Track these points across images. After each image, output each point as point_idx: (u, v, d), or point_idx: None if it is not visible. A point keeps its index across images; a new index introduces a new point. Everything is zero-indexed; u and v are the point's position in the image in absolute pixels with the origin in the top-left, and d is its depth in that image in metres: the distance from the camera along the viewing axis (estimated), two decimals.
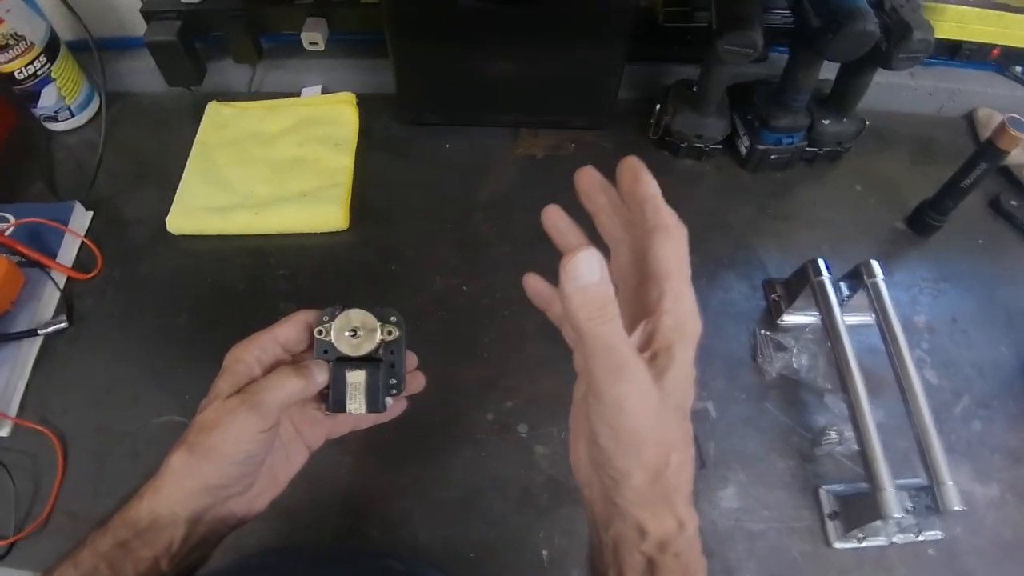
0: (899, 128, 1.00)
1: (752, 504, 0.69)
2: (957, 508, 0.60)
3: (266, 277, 0.84)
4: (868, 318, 0.73)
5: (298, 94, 1.01)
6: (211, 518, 0.46)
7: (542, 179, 0.91)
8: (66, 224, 0.86)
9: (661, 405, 0.36)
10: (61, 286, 0.83)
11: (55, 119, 0.97)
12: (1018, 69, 1.01)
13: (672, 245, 0.38)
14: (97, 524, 0.45)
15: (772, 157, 0.91)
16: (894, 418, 0.71)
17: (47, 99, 0.93)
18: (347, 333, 0.49)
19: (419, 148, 0.97)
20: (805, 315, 0.79)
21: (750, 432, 0.74)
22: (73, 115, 0.97)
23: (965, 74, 1.00)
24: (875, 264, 0.73)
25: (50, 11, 0.91)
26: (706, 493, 0.70)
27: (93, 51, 0.92)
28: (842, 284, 0.75)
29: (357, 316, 0.49)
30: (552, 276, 0.38)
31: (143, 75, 1.00)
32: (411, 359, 0.53)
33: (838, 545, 0.67)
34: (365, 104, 0.99)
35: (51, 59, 0.91)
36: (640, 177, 0.42)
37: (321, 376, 0.48)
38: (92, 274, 0.84)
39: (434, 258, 0.85)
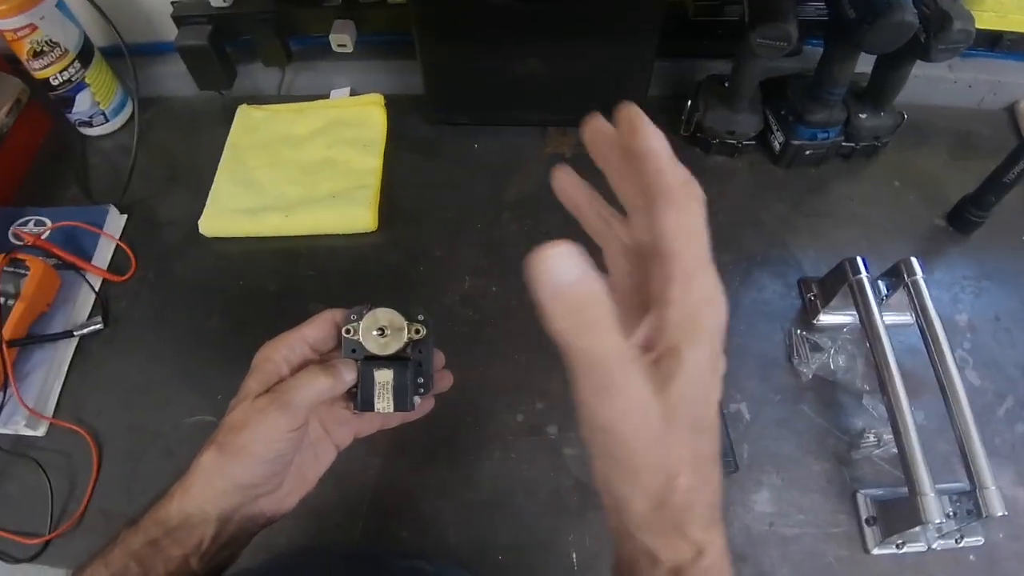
0: (938, 122, 0.97)
1: (787, 508, 0.68)
2: (1000, 513, 0.59)
3: (296, 278, 0.85)
4: (907, 317, 0.72)
5: (327, 96, 1.02)
6: (241, 517, 0.46)
7: None
8: (101, 227, 0.87)
9: (664, 423, 0.31)
10: (96, 288, 0.84)
11: (89, 124, 0.98)
12: None
13: (677, 216, 0.31)
14: (128, 523, 0.45)
15: (807, 153, 0.89)
16: (934, 420, 0.70)
17: (81, 104, 0.95)
18: (375, 332, 0.49)
19: (447, 148, 0.97)
20: (842, 315, 0.77)
21: (785, 434, 0.72)
22: (107, 120, 0.99)
23: (1006, 65, 0.97)
24: (915, 262, 0.71)
25: (83, 17, 0.92)
26: (739, 496, 0.69)
27: (126, 56, 0.93)
28: (880, 283, 0.73)
29: (385, 315, 0.49)
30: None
31: (175, 79, 1.01)
32: (439, 358, 0.53)
33: (876, 551, 0.65)
34: (393, 105, 0.99)
35: (85, 65, 0.92)
36: (638, 129, 0.33)
37: (349, 375, 0.48)
38: (126, 276, 0.86)
39: (462, 258, 0.85)
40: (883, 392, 0.66)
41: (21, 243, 0.84)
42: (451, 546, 0.67)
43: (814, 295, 0.80)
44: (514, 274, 0.83)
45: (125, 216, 0.91)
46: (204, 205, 0.89)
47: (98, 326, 0.81)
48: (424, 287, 0.83)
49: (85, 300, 0.83)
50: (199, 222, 0.87)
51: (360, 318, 0.49)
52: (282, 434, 0.45)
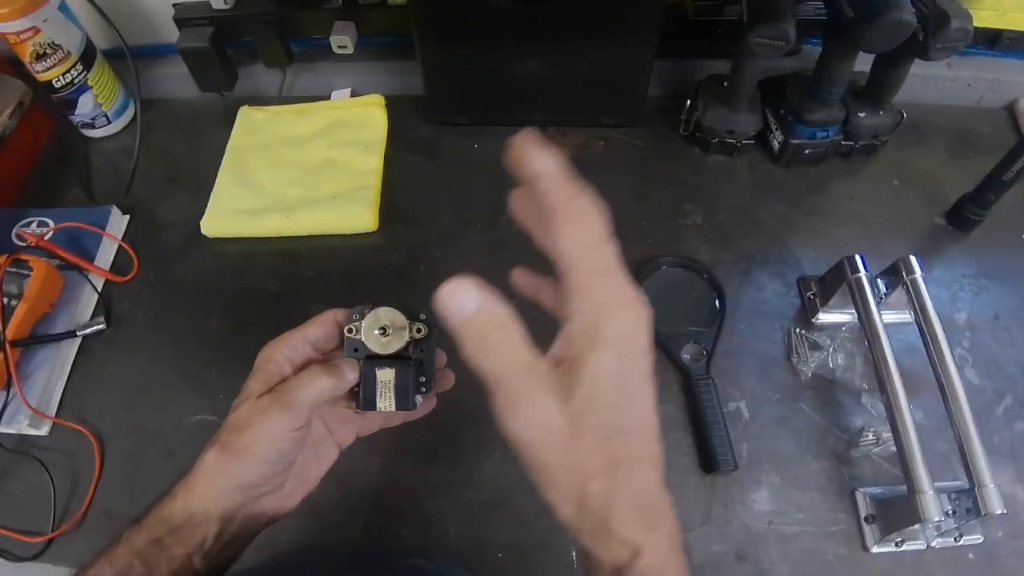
0: (937, 120, 0.97)
1: (786, 506, 0.68)
2: (999, 512, 0.59)
3: (297, 279, 0.85)
4: (906, 316, 0.72)
5: (328, 97, 1.02)
6: (243, 516, 0.46)
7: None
8: (103, 228, 0.88)
9: (570, 430, 0.32)
10: (99, 289, 0.84)
11: (92, 126, 0.99)
12: None
13: (571, 230, 0.33)
14: (132, 522, 0.45)
15: (806, 152, 0.89)
16: (933, 419, 0.70)
17: (84, 106, 0.95)
18: (376, 331, 0.49)
19: (448, 149, 0.97)
20: (841, 313, 0.77)
21: (784, 433, 0.72)
22: (109, 122, 0.99)
23: (1005, 64, 0.97)
24: (914, 260, 0.71)
25: (85, 20, 0.92)
26: (739, 495, 0.69)
27: (128, 58, 0.94)
28: (879, 281, 0.73)
29: (386, 314, 0.49)
30: None
31: (176, 81, 1.01)
32: (441, 357, 0.53)
33: (875, 549, 0.65)
34: (394, 106, 0.99)
35: (87, 67, 0.93)
36: (526, 155, 0.35)
37: (351, 374, 0.48)
38: (128, 277, 0.86)
39: (463, 259, 0.85)
40: (882, 390, 0.66)
41: (24, 244, 0.85)
42: (451, 545, 0.67)
43: (813, 294, 0.80)
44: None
45: (127, 217, 0.91)
46: (205, 206, 0.89)
47: (101, 326, 0.81)
48: (424, 287, 0.83)
49: (88, 300, 0.84)
50: (201, 223, 0.88)
51: (362, 317, 0.49)
52: (285, 434, 0.45)
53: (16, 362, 0.75)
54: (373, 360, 0.49)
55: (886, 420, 0.66)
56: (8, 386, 0.74)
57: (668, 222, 0.87)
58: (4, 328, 0.75)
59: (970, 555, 0.66)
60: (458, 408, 0.71)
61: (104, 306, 0.84)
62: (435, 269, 0.85)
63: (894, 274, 0.72)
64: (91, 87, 0.94)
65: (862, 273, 0.72)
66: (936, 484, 0.60)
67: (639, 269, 0.82)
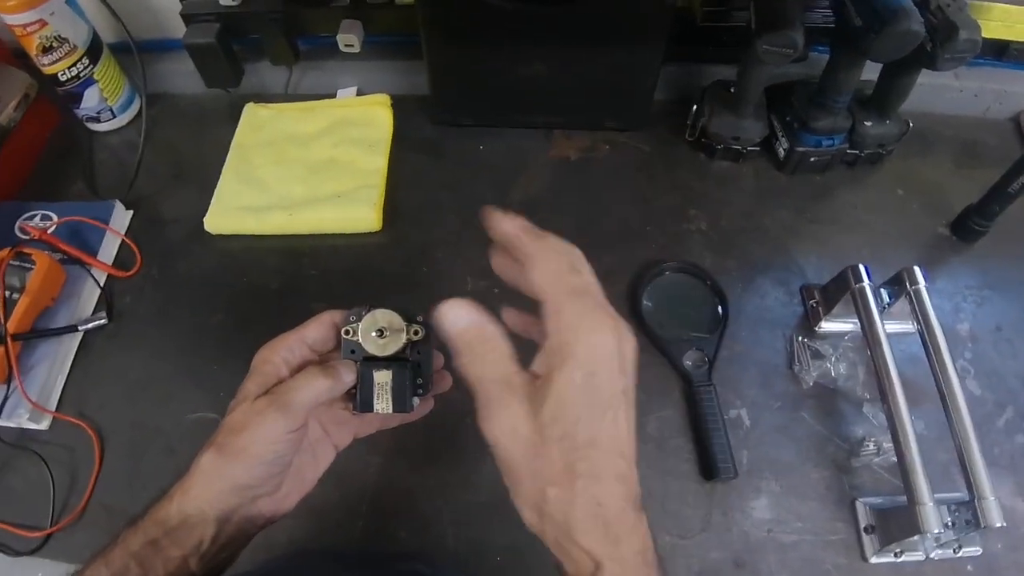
0: (943, 130, 0.97)
1: (785, 515, 0.68)
2: (998, 524, 0.58)
3: (299, 277, 0.85)
4: (909, 326, 0.71)
5: (333, 95, 1.02)
6: (240, 517, 0.46)
7: (575, 181, 0.91)
8: (107, 223, 0.88)
9: (536, 438, 0.35)
10: (101, 283, 0.84)
11: (97, 120, 0.99)
12: None
13: (539, 270, 0.38)
14: (128, 523, 0.45)
15: (811, 160, 0.89)
16: (934, 430, 0.70)
17: (89, 100, 0.96)
18: (374, 333, 0.49)
19: (452, 149, 0.97)
20: (844, 322, 0.77)
21: (784, 441, 0.72)
22: (114, 116, 0.99)
23: (1012, 75, 0.97)
24: (917, 270, 0.71)
25: (92, 14, 0.93)
26: (738, 503, 0.69)
27: (134, 53, 0.94)
28: (883, 291, 0.73)
29: (383, 316, 0.49)
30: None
31: (182, 77, 1.02)
32: (438, 359, 0.53)
33: (874, 560, 0.65)
34: (399, 105, 0.99)
35: (93, 61, 0.93)
36: (491, 223, 0.41)
37: (349, 376, 0.48)
38: (131, 272, 0.86)
39: (466, 260, 0.85)
40: (883, 400, 0.66)
41: (27, 237, 0.84)
42: (449, 547, 0.67)
43: (816, 302, 0.80)
44: None
45: (131, 212, 0.91)
46: (209, 202, 0.89)
47: (102, 321, 0.81)
48: (427, 288, 0.84)
49: (90, 295, 0.84)
50: (204, 219, 0.88)
51: (359, 319, 0.49)
52: (281, 435, 0.45)
53: (17, 356, 0.75)
54: (370, 362, 0.49)
55: (887, 430, 0.65)
56: (9, 380, 0.74)
57: (672, 227, 0.87)
58: (5, 321, 0.75)
59: (969, 567, 0.65)
60: (457, 410, 0.70)
61: (106, 301, 0.84)
62: (438, 269, 0.85)
63: (897, 284, 0.72)
64: (97, 81, 0.94)
65: (865, 282, 0.71)
66: (936, 495, 0.60)
67: (642, 273, 0.82)
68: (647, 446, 0.72)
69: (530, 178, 0.93)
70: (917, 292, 0.70)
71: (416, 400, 0.51)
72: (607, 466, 0.36)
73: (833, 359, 0.75)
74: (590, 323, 0.36)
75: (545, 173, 0.93)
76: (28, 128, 0.96)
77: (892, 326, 0.72)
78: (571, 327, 0.36)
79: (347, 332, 0.49)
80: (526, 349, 0.39)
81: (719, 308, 0.80)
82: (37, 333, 0.78)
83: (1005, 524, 0.59)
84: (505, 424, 0.36)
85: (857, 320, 0.72)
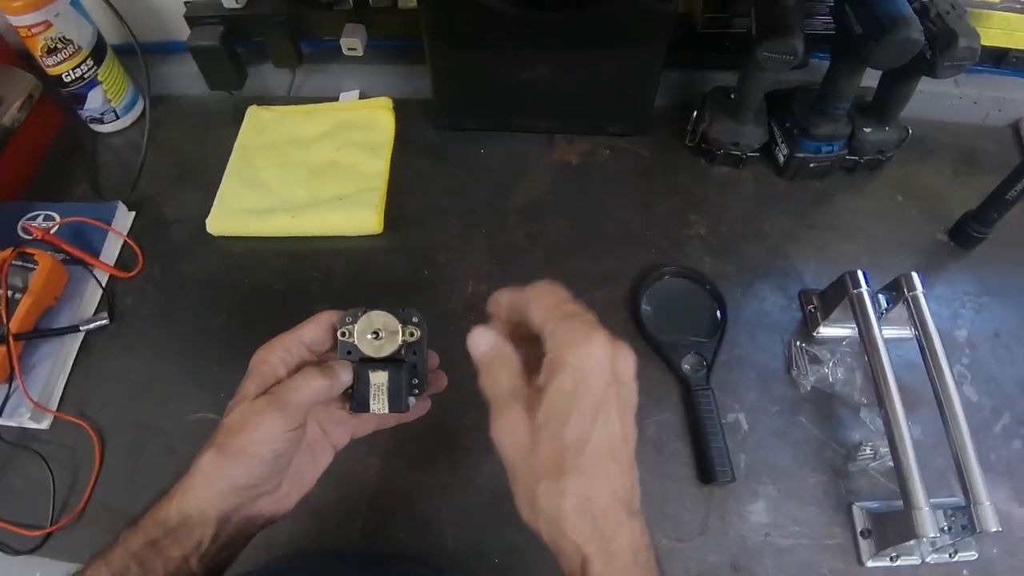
0: (942, 137, 0.97)
1: (782, 519, 0.68)
2: (994, 529, 0.59)
3: (301, 279, 0.86)
4: (907, 332, 0.72)
5: (336, 99, 1.03)
6: (240, 517, 0.46)
7: (576, 185, 0.91)
8: (109, 223, 0.88)
9: (532, 437, 0.40)
10: (103, 284, 0.85)
11: (101, 121, 0.99)
12: None
13: (537, 307, 0.43)
14: (128, 523, 0.46)
15: (811, 166, 0.90)
16: (931, 435, 0.70)
17: (93, 101, 0.96)
18: (369, 335, 0.49)
19: (454, 153, 0.97)
20: (842, 328, 0.78)
21: (782, 446, 0.72)
22: (118, 117, 1.00)
23: (1011, 82, 0.97)
24: (915, 276, 0.71)
25: (97, 15, 0.93)
26: (735, 506, 0.69)
27: (138, 55, 0.94)
28: (881, 296, 0.74)
29: (379, 318, 0.50)
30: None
31: (186, 79, 1.02)
32: (433, 359, 0.54)
33: (870, 564, 0.65)
34: (402, 109, 0.99)
35: (98, 62, 0.93)
36: (493, 298, 0.47)
37: (346, 376, 0.49)
38: (133, 273, 0.86)
39: (467, 263, 0.86)
40: (881, 406, 0.66)
41: (30, 237, 0.85)
42: (449, 547, 0.68)
43: (814, 307, 0.80)
44: (519, 280, 0.83)
45: (133, 213, 0.92)
46: (212, 204, 0.89)
47: (104, 321, 0.81)
48: (428, 291, 0.84)
49: (92, 295, 0.84)
50: (206, 221, 0.88)
51: (355, 320, 0.50)
52: (280, 435, 0.45)
53: (19, 355, 0.75)
54: (367, 363, 0.50)
55: (884, 435, 0.66)
56: (10, 379, 0.75)
57: (672, 232, 0.87)
58: (8, 321, 0.75)
59: (965, 572, 0.66)
60: (457, 411, 0.72)
61: (108, 301, 0.84)
62: (439, 273, 0.85)
63: (895, 290, 0.72)
64: (101, 82, 0.95)
65: (863, 288, 0.72)
66: (932, 500, 0.60)
67: (642, 278, 0.82)
68: (645, 449, 0.72)
69: (531, 182, 0.93)
70: (915, 298, 0.70)
71: (412, 400, 0.51)
72: (596, 465, 0.39)
73: (831, 364, 0.76)
74: (582, 337, 0.40)
75: (546, 177, 0.93)
76: (32, 129, 0.96)
77: (890, 332, 0.72)
78: (566, 341, 0.40)
79: (343, 333, 0.50)
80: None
81: (718, 313, 0.80)
82: (39, 333, 0.79)
83: (1001, 529, 0.59)
84: (506, 426, 0.41)
85: (855, 325, 0.72)
